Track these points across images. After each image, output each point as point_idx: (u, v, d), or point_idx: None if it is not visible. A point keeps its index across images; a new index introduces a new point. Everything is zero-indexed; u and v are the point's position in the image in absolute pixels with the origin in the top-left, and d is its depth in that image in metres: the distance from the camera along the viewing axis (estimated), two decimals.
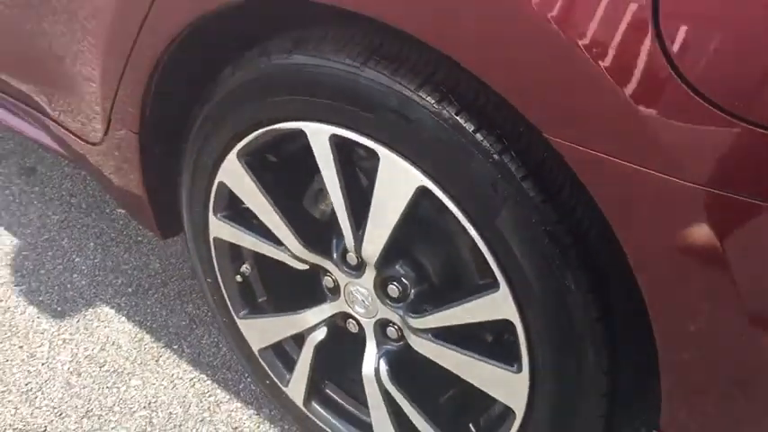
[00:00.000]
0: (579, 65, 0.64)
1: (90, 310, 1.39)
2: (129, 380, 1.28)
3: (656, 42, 0.61)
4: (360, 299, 1.00)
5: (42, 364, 1.29)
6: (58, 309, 1.39)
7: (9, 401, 1.23)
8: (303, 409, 1.14)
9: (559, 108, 0.69)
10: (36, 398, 1.24)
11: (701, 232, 0.65)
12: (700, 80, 0.61)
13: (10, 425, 1.20)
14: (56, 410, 1.22)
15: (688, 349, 0.74)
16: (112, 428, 1.20)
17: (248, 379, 1.27)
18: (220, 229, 1.09)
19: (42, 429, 1.20)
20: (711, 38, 0.61)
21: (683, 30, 0.61)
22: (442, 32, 0.74)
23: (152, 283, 1.45)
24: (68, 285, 1.44)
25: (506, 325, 0.85)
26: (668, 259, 0.69)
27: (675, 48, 0.61)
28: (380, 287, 0.97)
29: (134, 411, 1.23)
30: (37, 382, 1.26)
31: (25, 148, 1.74)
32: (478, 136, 0.77)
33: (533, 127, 0.72)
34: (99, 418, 1.21)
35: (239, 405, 1.25)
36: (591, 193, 0.71)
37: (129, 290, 1.43)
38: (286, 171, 1.02)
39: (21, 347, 1.32)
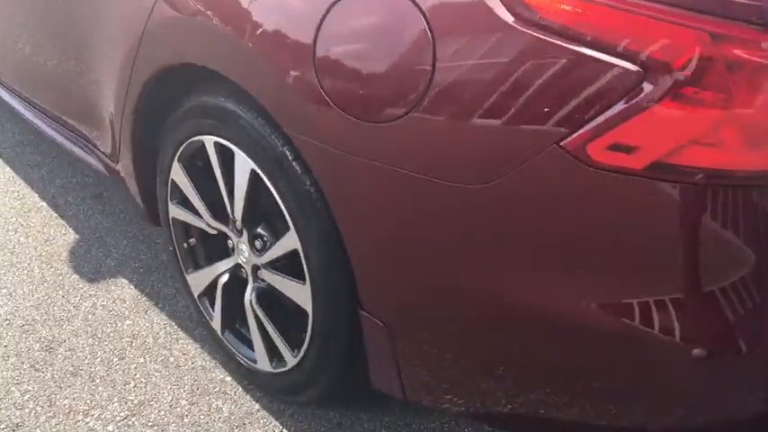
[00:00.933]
0: (298, 85, 1.22)
1: (122, 285, 2.03)
2: (124, 321, 1.89)
3: (315, 78, 1.19)
4: (244, 251, 1.57)
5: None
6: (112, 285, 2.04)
7: None
8: (221, 336, 1.71)
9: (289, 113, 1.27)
10: None
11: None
12: (337, 100, 1.17)
13: None
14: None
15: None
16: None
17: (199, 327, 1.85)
18: (175, 211, 1.71)
19: None
20: (340, 76, 1.18)
21: (326, 71, 1.18)
22: (237, 74, 1.34)
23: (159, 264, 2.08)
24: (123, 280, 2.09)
25: (298, 255, 1.40)
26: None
27: (325, 81, 1.18)
28: (251, 242, 1.54)
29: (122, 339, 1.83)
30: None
31: (95, 178, 2.46)
32: (271, 134, 1.35)
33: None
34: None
35: (192, 341, 1.83)
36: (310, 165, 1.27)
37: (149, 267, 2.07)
38: (205, 170, 1.62)
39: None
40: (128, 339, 1.84)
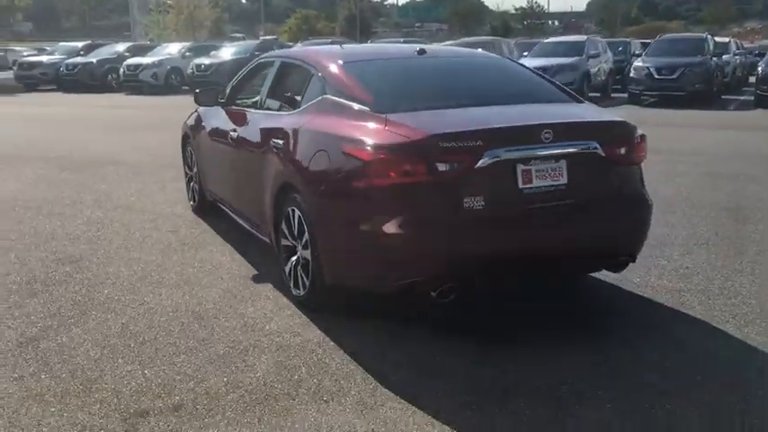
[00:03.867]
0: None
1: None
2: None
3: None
4: (298, 247, 4.46)
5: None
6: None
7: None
8: (291, 287, 4.53)
9: None
10: None
11: None
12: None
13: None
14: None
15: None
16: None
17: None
18: (282, 240, 4.65)
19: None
20: None
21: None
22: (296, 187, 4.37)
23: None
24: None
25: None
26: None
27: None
28: (300, 244, 4.42)
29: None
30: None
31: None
32: (303, 203, 4.30)
33: None
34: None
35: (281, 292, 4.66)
36: None
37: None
38: (289, 221, 4.59)
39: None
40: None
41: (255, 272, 5.17)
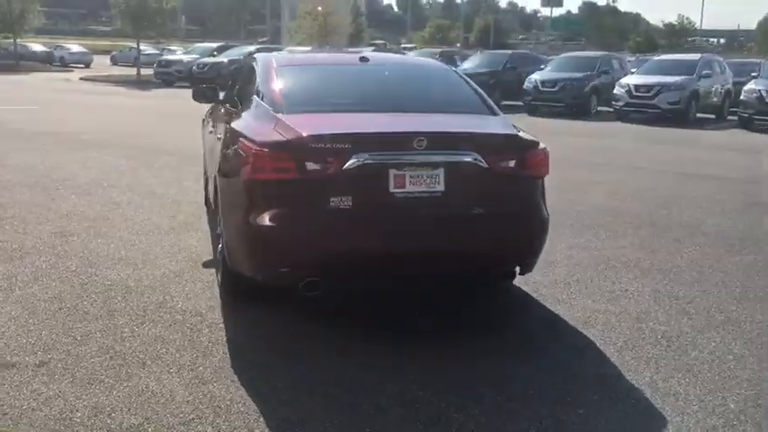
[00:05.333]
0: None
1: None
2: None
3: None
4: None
5: None
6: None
7: None
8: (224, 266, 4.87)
9: None
10: None
11: None
12: None
13: None
14: None
15: None
16: None
17: None
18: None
19: None
20: None
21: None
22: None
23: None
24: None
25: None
26: None
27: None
28: None
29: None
30: None
31: None
32: None
33: None
34: None
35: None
36: None
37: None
38: None
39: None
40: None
41: (212, 257, 5.56)
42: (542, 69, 21.65)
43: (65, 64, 44.30)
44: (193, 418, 3.22)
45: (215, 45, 32.93)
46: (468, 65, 23.29)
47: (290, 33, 50.09)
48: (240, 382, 3.56)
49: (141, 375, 3.61)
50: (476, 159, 3.97)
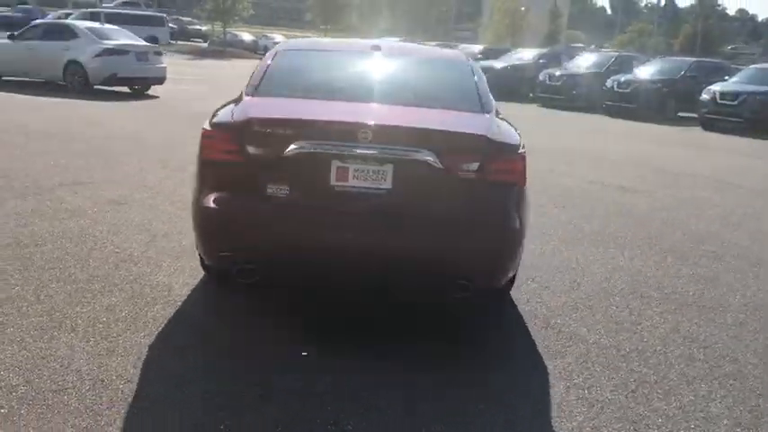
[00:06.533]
0: None
1: None
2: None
3: None
4: None
5: None
6: None
7: None
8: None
9: None
10: None
11: None
12: None
13: None
14: None
15: None
16: None
17: None
18: None
19: None
20: None
21: None
22: None
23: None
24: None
25: None
26: None
27: None
28: None
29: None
30: None
31: None
32: None
33: None
34: None
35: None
36: None
37: None
38: None
39: None
40: None
41: None
42: (726, 80, 19.76)
43: None
44: (68, 388, 3.23)
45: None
46: (642, 72, 21.76)
47: (480, 33, 49.77)
48: (145, 360, 3.54)
49: (61, 339, 3.70)
50: (428, 158, 3.62)
